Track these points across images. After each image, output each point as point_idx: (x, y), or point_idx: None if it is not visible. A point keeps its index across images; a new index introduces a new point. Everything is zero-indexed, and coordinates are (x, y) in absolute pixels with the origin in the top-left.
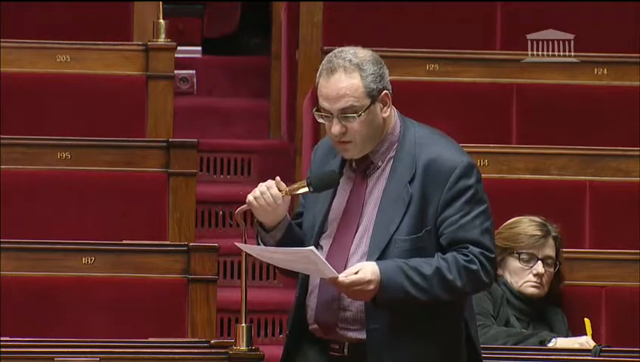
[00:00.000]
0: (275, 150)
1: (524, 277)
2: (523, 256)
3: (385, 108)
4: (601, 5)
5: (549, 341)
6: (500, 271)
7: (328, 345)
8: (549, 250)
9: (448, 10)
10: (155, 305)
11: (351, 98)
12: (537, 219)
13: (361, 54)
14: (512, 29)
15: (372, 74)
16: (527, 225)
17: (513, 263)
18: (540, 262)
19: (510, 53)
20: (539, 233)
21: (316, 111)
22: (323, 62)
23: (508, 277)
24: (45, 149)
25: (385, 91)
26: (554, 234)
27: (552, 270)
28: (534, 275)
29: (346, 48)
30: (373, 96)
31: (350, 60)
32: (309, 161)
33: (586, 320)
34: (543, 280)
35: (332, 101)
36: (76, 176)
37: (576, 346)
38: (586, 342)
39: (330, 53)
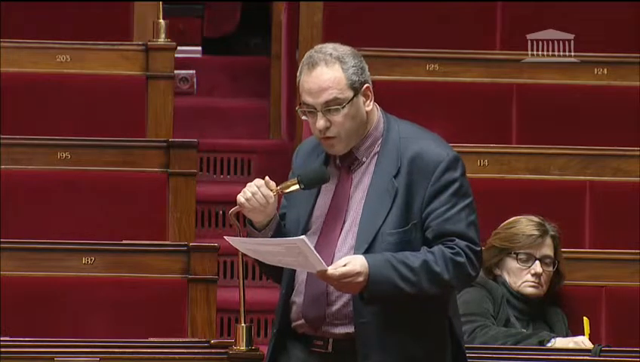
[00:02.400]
0: (275, 150)
1: (522, 277)
2: (521, 256)
3: (367, 101)
4: (601, 5)
5: (549, 341)
6: (498, 271)
7: (312, 341)
8: (547, 250)
9: (448, 10)
10: (155, 305)
11: (334, 90)
12: (535, 218)
13: (341, 49)
14: (512, 29)
15: (353, 66)
16: (524, 225)
17: (511, 263)
18: (537, 261)
19: (510, 53)
20: (536, 233)
21: (299, 107)
22: (303, 59)
23: (506, 277)
24: (45, 149)
25: (366, 84)
26: (552, 233)
27: (550, 269)
28: (532, 275)
29: (326, 44)
30: (356, 88)
31: (331, 54)
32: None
33: (585, 320)
34: (542, 279)
35: (315, 95)
36: (76, 176)
37: (571, 345)
38: (582, 341)
39: (310, 50)
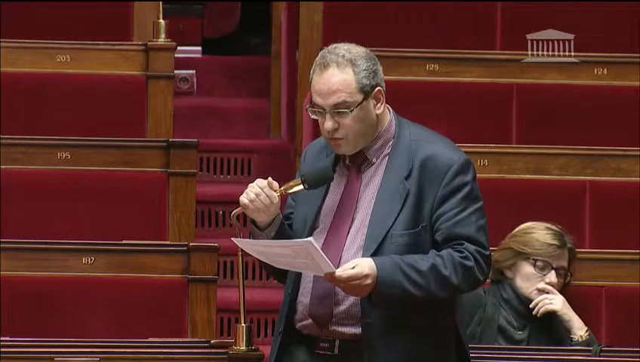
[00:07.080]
0: (275, 150)
1: (535, 283)
2: (539, 264)
3: (378, 104)
4: (601, 5)
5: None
6: (510, 274)
7: (317, 343)
8: (564, 261)
9: (448, 10)
10: (155, 305)
11: (343, 93)
12: (554, 227)
13: (355, 50)
14: (512, 29)
15: (365, 70)
16: (544, 233)
17: (527, 268)
18: (553, 271)
19: (510, 53)
20: (557, 243)
21: (310, 107)
22: (317, 58)
23: (518, 281)
24: (45, 149)
25: (378, 88)
26: (569, 245)
27: (562, 281)
28: (546, 284)
29: (340, 44)
30: (366, 92)
31: (343, 56)
32: (300, 163)
33: None
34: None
35: (325, 96)
36: (76, 176)
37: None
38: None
39: (324, 49)
